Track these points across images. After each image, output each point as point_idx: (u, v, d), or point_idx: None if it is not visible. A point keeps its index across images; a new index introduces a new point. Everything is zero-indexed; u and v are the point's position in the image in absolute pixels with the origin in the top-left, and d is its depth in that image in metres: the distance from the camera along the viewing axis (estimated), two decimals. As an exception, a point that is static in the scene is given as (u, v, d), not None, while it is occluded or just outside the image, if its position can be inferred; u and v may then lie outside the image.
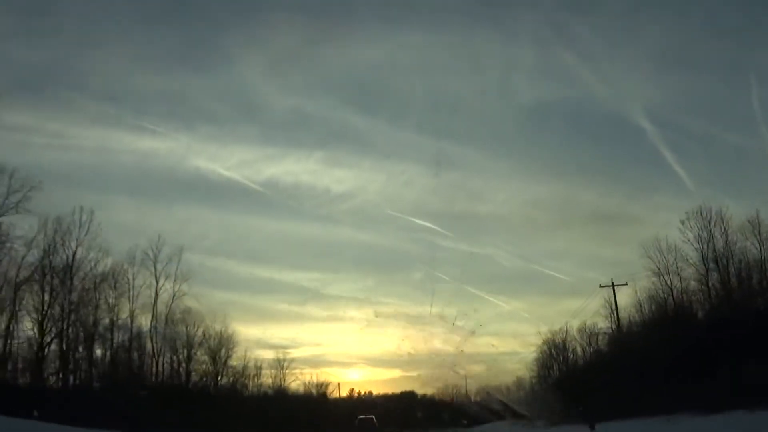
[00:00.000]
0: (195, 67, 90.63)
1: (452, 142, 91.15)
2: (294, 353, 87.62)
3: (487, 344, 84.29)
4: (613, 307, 56.13)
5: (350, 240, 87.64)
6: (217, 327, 50.50)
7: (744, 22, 77.20)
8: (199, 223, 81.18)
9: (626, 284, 41.66)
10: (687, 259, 38.22)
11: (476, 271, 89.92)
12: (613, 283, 41.73)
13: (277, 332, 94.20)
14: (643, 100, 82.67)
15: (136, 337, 44.46)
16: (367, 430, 44.89)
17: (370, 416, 48.63)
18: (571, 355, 75.53)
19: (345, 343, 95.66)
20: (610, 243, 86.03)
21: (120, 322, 43.17)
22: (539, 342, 75.77)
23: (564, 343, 75.34)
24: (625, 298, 51.19)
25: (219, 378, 51.21)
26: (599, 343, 67.91)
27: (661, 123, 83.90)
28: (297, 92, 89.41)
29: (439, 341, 67.86)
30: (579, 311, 67.29)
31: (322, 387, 68.60)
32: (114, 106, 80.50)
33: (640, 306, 45.75)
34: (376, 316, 75.68)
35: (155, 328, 45.26)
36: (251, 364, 55.46)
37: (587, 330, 72.84)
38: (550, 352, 77.36)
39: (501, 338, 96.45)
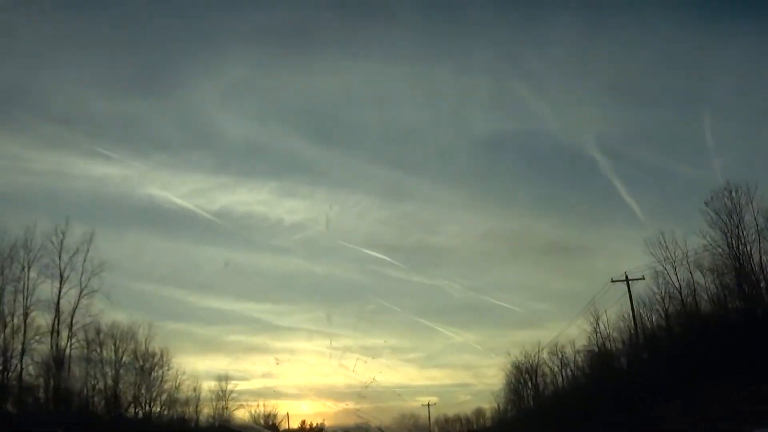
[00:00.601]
0: (150, 94, 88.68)
1: (406, 173, 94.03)
2: (245, 385, 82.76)
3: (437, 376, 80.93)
4: (599, 326, 51.33)
5: (303, 271, 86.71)
6: (149, 346, 42.15)
7: (697, 56, 77.98)
8: (150, 252, 78.24)
9: (643, 278, 35.86)
10: (716, 246, 32.68)
11: (429, 303, 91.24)
12: (627, 276, 36.00)
13: (228, 363, 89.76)
14: (595, 132, 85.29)
15: (32, 350, 33.69)
16: None
17: None
18: (541, 380, 71.31)
19: (297, 375, 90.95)
20: (563, 275, 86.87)
21: (14, 322, 32.85)
22: (508, 367, 72.04)
23: (536, 367, 70.61)
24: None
25: (152, 405, 42.30)
26: (578, 363, 63.51)
27: (613, 155, 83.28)
28: (251, 121, 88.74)
29: (389, 371, 64.80)
30: (559, 334, 62.02)
31: (270, 418, 60.43)
32: (70, 130, 78.13)
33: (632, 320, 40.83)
34: (329, 348, 74.41)
35: (57, 336, 35.05)
36: (196, 393, 47.38)
37: (558, 353, 68.75)
38: (520, 377, 72.32)
39: (453, 370, 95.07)
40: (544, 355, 69.99)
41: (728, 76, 75.04)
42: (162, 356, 43.28)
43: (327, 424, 79.28)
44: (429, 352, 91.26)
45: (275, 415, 62.66)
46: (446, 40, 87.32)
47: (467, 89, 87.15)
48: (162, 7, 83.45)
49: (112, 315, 39.56)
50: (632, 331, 35.64)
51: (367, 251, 79.22)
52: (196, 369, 63.60)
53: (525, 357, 70.83)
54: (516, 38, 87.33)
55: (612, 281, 36.62)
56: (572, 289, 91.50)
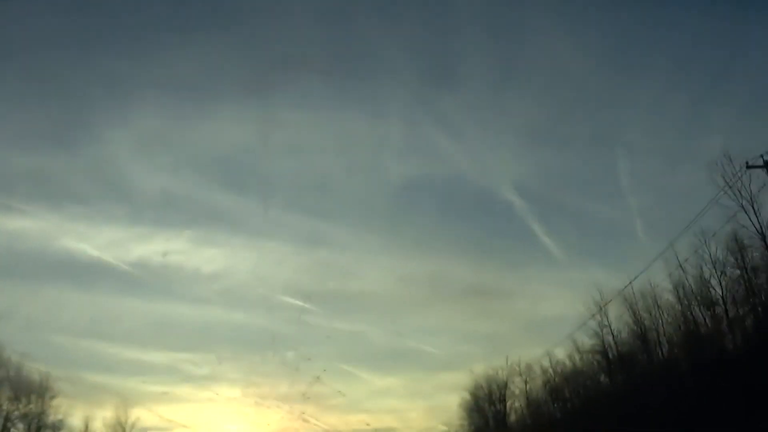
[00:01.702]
0: (63, 146, 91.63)
1: (323, 220, 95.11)
2: (166, 436, 74.65)
3: (360, 422, 77.98)
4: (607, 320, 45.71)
5: (222, 320, 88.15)
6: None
7: (610, 97, 79.17)
8: (69, 305, 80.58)
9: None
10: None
11: (349, 349, 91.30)
12: (765, 161, 27.97)
13: (149, 415, 78.89)
14: (511, 175, 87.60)
15: None
16: None
17: None
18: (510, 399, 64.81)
19: (219, 424, 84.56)
20: (483, 317, 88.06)
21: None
22: (468, 387, 67.34)
23: (506, 383, 64.15)
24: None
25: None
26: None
27: (529, 197, 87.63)
28: (166, 171, 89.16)
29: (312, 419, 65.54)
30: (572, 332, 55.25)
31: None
32: (-19, 185, 65.62)
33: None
34: (251, 396, 70.52)
35: None
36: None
37: (523, 374, 63.12)
38: (489, 394, 65.36)
39: (375, 415, 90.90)
40: (520, 368, 64.43)
41: (640, 115, 75.82)
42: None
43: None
44: (352, 398, 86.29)
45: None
46: (360, 86, 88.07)
47: (382, 135, 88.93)
48: (72, 60, 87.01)
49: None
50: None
51: (285, 299, 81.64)
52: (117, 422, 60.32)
53: (487, 380, 64.84)
54: (429, 83, 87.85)
55: (748, 167, 28.88)
56: (493, 331, 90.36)
